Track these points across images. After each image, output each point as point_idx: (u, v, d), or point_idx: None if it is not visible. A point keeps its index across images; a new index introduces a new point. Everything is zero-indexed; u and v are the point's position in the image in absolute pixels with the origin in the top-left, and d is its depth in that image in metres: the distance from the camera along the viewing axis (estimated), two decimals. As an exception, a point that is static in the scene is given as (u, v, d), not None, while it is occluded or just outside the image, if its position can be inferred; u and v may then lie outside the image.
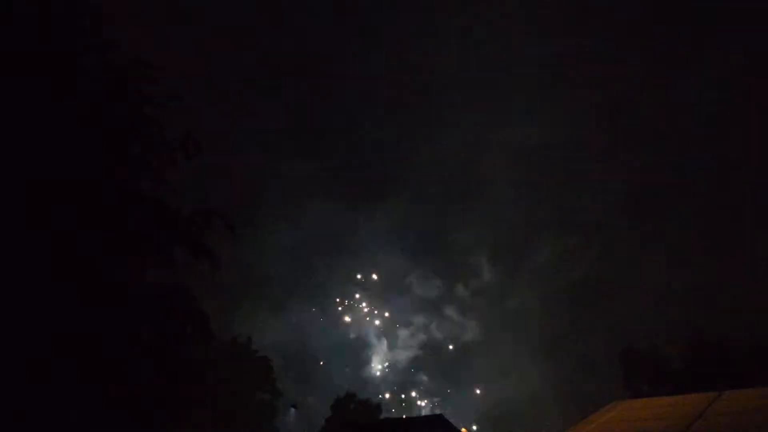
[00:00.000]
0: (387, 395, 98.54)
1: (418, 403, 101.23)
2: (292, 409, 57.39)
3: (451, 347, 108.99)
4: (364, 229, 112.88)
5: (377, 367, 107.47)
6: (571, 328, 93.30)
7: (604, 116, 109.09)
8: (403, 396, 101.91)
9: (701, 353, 49.98)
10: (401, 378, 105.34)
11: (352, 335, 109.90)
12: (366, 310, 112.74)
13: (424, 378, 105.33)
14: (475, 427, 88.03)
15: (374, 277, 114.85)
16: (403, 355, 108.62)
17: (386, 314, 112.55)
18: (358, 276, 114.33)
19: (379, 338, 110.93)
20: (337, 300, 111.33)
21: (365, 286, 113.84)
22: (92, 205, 14.62)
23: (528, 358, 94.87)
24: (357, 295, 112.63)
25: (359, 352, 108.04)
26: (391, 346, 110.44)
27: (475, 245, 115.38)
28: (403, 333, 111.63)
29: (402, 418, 46.75)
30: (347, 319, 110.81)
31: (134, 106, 16.38)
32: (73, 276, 13.93)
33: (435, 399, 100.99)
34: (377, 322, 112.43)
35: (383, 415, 61.25)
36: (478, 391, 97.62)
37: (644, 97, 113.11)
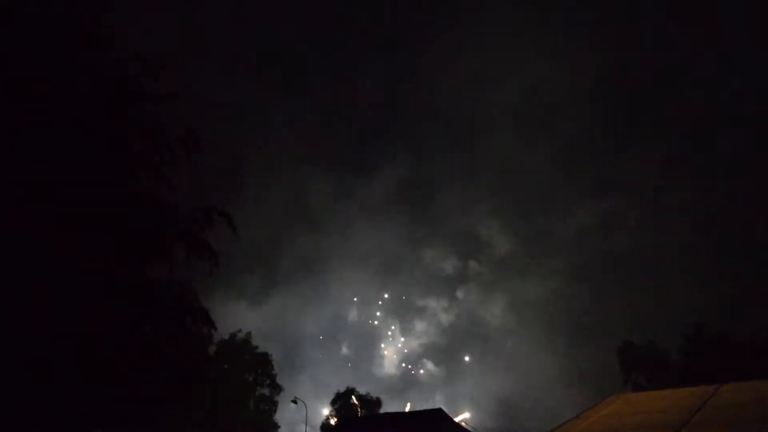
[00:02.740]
0: (390, 387, 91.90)
1: (422, 394, 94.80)
2: (292, 404, 57.43)
3: (459, 332, 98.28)
4: (358, 199, 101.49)
5: (379, 355, 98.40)
6: (593, 310, 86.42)
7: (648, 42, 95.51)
8: (405, 386, 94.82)
9: (700, 347, 50.11)
10: (405, 368, 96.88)
11: (352, 321, 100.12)
12: (366, 293, 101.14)
13: (430, 367, 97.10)
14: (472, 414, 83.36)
15: (374, 255, 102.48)
16: (408, 344, 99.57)
17: (388, 297, 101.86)
18: (356, 255, 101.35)
19: (381, 325, 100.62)
20: (334, 282, 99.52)
21: (364, 265, 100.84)
22: (91, 203, 14.56)
23: (545, 342, 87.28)
24: (354, 276, 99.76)
25: (360, 340, 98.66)
26: (394, 334, 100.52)
27: (487, 213, 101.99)
28: (408, 318, 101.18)
29: (401, 412, 46.96)
30: (347, 305, 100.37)
31: (134, 102, 16.32)
32: (72, 273, 13.88)
33: (440, 390, 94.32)
34: (378, 307, 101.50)
35: (383, 409, 61.36)
36: (487, 378, 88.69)
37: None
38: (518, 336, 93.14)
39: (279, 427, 56.86)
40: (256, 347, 54.56)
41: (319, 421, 63.56)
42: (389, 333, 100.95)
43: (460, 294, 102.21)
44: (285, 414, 61.48)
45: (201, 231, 17.60)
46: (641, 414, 19.00)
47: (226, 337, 51.94)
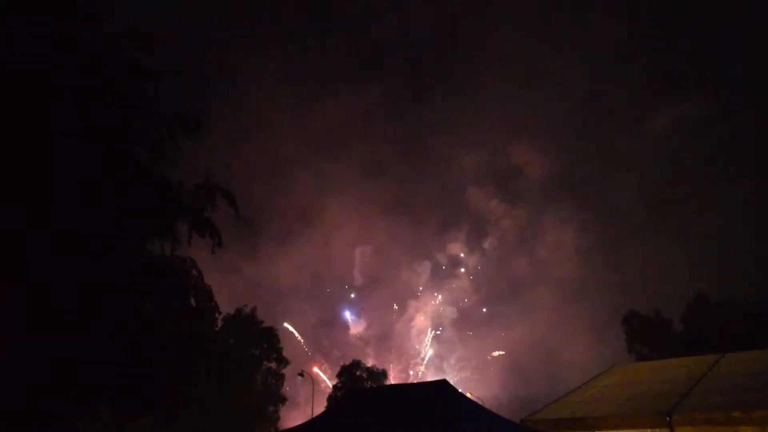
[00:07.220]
0: (403, 353, 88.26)
1: (439, 357, 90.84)
2: (300, 377, 58.23)
3: (480, 289, 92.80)
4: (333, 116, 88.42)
5: (392, 318, 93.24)
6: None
7: None
8: (421, 352, 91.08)
9: (703, 316, 50.25)
10: (419, 331, 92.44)
11: (359, 283, 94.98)
12: (369, 243, 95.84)
13: (446, 330, 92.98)
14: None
15: (367, 197, 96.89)
16: (423, 304, 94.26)
17: (396, 250, 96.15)
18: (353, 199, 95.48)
19: (394, 285, 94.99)
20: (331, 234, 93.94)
21: (350, 208, 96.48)
22: (90, 178, 14.47)
23: (582, 298, 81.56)
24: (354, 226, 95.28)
25: (370, 303, 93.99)
26: (409, 294, 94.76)
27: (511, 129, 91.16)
28: (422, 271, 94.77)
29: (405, 384, 47.64)
30: (350, 264, 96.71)
31: (131, 79, 16.11)
32: (71, 250, 13.83)
33: (457, 353, 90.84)
34: (385, 262, 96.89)
35: (390, 381, 62.20)
36: (498, 349, 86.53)
37: None
38: (554, 292, 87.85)
39: (286, 399, 57.66)
40: (262, 321, 55.10)
41: (325, 394, 64.56)
42: (403, 293, 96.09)
43: (485, 243, 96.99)
44: (292, 387, 62.19)
45: (204, 209, 17.61)
46: (644, 383, 19.11)
47: (232, 311, 52.43)
